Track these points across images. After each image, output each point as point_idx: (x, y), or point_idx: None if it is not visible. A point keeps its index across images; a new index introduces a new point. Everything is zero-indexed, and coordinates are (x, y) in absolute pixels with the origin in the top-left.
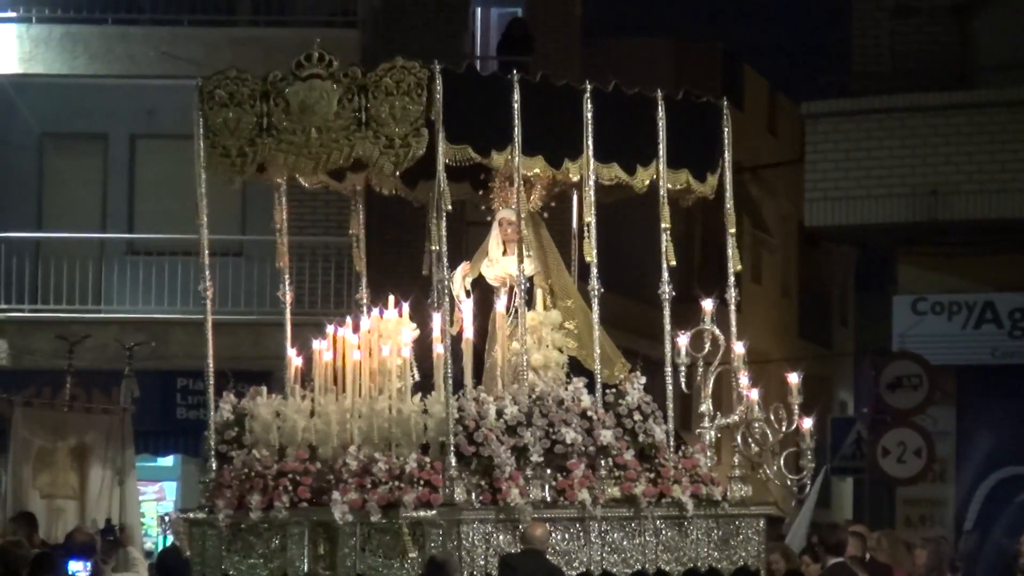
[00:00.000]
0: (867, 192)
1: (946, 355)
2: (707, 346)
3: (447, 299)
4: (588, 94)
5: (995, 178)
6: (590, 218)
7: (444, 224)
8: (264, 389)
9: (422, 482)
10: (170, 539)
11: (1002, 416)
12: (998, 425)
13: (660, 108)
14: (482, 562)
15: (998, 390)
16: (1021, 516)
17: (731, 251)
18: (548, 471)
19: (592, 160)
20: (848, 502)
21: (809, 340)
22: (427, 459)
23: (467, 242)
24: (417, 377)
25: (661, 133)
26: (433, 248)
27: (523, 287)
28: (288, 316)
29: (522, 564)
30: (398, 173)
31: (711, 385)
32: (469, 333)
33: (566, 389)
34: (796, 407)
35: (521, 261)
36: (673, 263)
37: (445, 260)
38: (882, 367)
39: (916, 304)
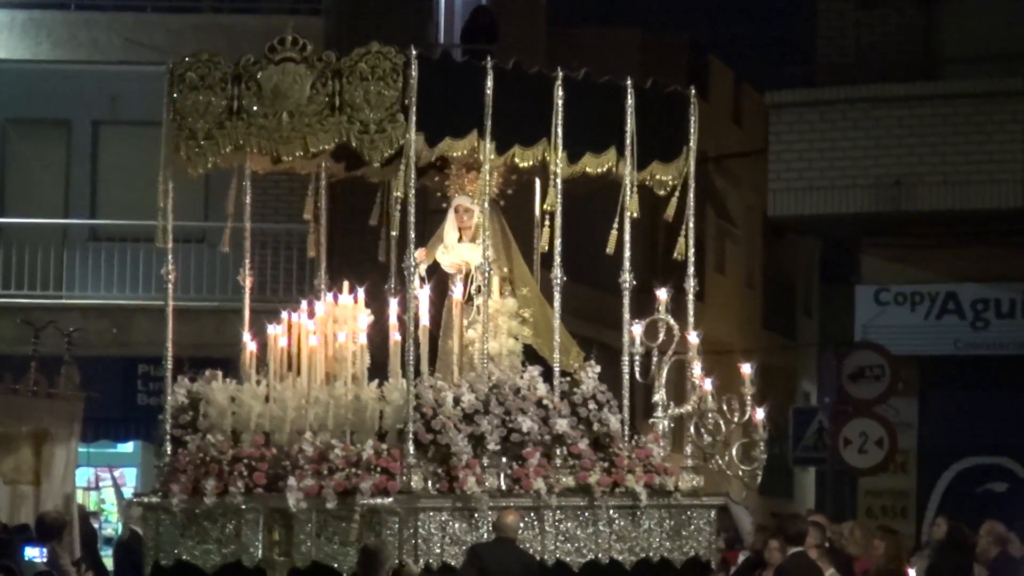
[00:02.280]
0: (831, 183)
1: (908, 346)
2: (661, 336)
3: (412, 285)
4: (559, 81)
5: (959, 169)
6: (554, 207)
7: (412, 210)
8: (219, 374)
9: (379, 469)
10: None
11: (964, 407)
12: (960, 416)
13: (629, 97)
14: (438, 550)
15: (960, 381)
16: (982, 507)
17: (688, 240)
18: (504, 459)
19: (561, 148)
20: (810, 492)
21: (773, 331)
22: (384, 446)
23: (426, 230)
24: (368, 363)
25: (630, 121)
26: (393, 233)
27: (486, 274)
28: (247, 301)
29: (490, 554)
30: (380, 162)
31: (665, 375)
32: (425, 320)
33: (522, 377)
34: (749, 398)
35: (486, 250)
36: (610, 251)
37: (412, 246)
38: (844, 358)
39: (879, 295)
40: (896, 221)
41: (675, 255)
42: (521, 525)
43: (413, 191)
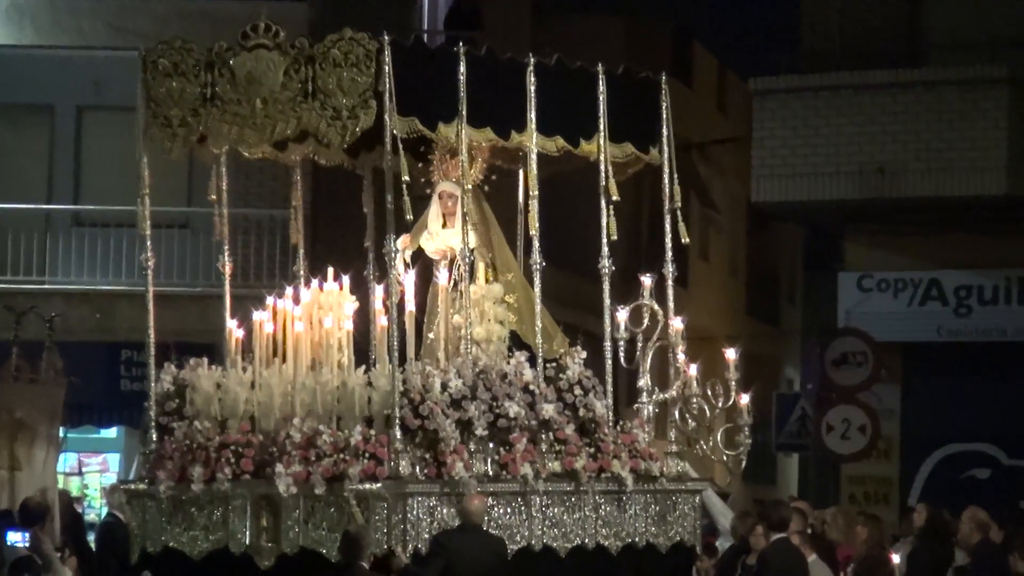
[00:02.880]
0: (814, 169)
1: (891, 332)
2: (646, 321)
3: (397, 271)
4: (531, 67)
5: (942, 156)
6: (533, 192)
7: (405, 196)
8: (205, 361)
9: (367, 455)
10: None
11: (947, 394)
12: (942, 403)
13: (601, 83)
14: (426, 535)
15: (943, 368)
16: (964, 493)
17: (668, 227)
18: (491, 445)
19: (536, 133)
20: (793, 479)
21: (756, 318)
22: (372, 432)
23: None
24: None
25: (603, 107)
26: (409, 217)
27: (468, 260)
28: (227, 287)
29: (452, 542)
30: (344, 145)
31: (649, 360)
32: (412, 306)
33: (508, 363)
34: (733, 383)
35: (466, 234)
36: (614, 237)
37: (392, 233)
38: (827, 344)
39: (862, 281)
40: (879, 208)
41: (683, 240)
42: (508, 510)
43: (396, 175)
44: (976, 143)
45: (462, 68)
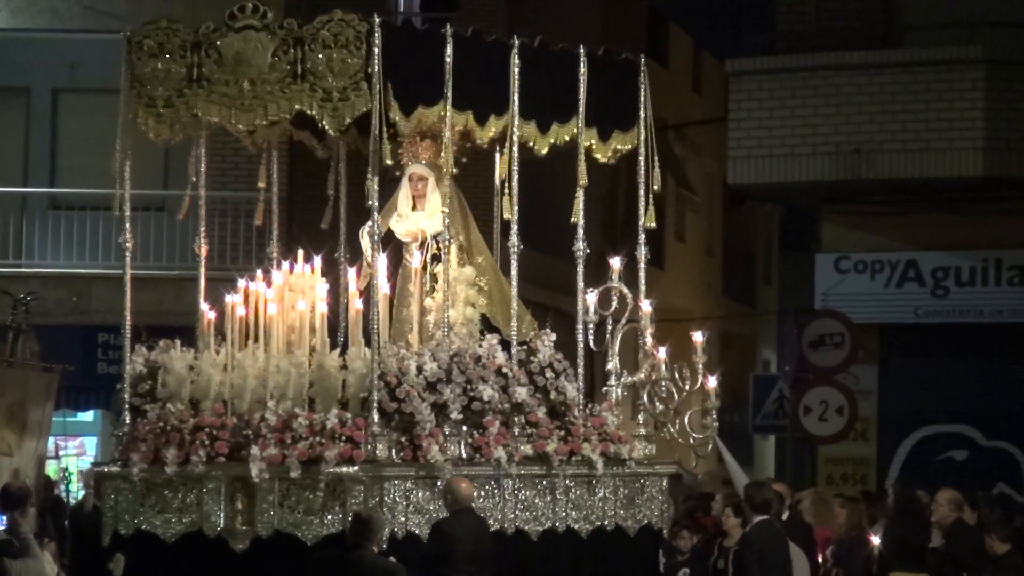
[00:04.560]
0: (791, 150)
1: (869, 314)
2: (615, 304)
3: (375, 254)
4: (516, 49)
5: (919, 137)
6: (504, 176)
7: (376, 180)
8: (177, 342)
9: (344, 438)
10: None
11: (924, 375)
12: (920, 384)
13: (583, 65)
14: (403, 519)
15: (920, 349)
16: (942, 474)
17: (643, 208)
18: (464, 428)
19: (517, 116)
20: (770, 460)
21: (733, 299)
22: (348, 415)
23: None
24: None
25: (582, 89)
26: (369, 203)
27: (446, 242)
28: (203, 270)
29: (455, 529)
30: (341, 130)
31: (618, 343)
32: (386, 288)
33: (480, 346)
34: (700, 366)
35: (446, 218)
36: (577, 220)
37: (376, 214)
38: (805, 325)
39: (839, 262)
40: (856, 189)
41: (644, 224)
42: (482, 494)
43: (383, 159)
44: (953, 124)
45: (449, 50)
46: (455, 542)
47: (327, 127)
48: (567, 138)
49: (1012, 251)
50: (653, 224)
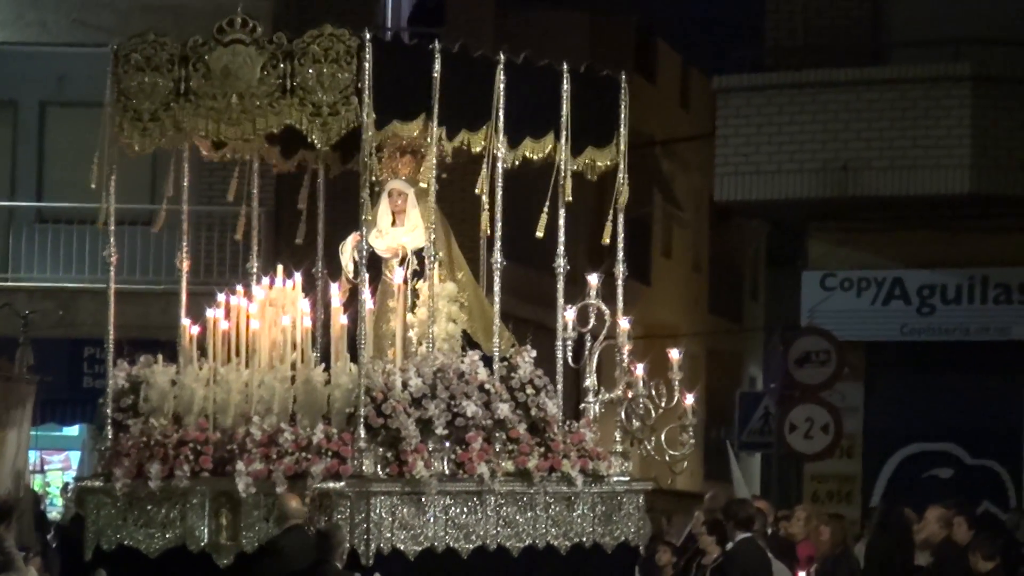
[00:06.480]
0: (778, 167)
1: (855, 331)
2: (592, 321)
3: (362, 269)
4: (502, 65)
5: (906, 154)
6: (484, 191)
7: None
8: (160, 357)
9: (330, 453)
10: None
11: (910, 393)
12: (906, 402)
13: (565, 81)
14: (388, 534)
15: (906, 366)
16: (926, 493)
17: (619, 226)
18: (447, 444)
19: (502, 132)
20: (756, 477)
21: (719, 315)
22: (334, 430)
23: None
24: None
25: (565, 106)
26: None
27: (432, 258)
28: (184, 284)
29: (289, 544)
30: (330, 144)
31: (596, 360)
32: (369, 304)
33: (463, 362)
34: (677, 383)
35: (432, 233)
36: (561, 238)
37: (364, 229)
38: (791, 342)
39: (825, 280)
40: (843, 206)
41: (603, 240)
42: (465, 510)
43: (370, 175)
44: (940, 141)
45: (437, 66)
46: (284, 558)
47: (316, 142)
48: (542, 154)
49: (998, 269)
50: (607, 241)
